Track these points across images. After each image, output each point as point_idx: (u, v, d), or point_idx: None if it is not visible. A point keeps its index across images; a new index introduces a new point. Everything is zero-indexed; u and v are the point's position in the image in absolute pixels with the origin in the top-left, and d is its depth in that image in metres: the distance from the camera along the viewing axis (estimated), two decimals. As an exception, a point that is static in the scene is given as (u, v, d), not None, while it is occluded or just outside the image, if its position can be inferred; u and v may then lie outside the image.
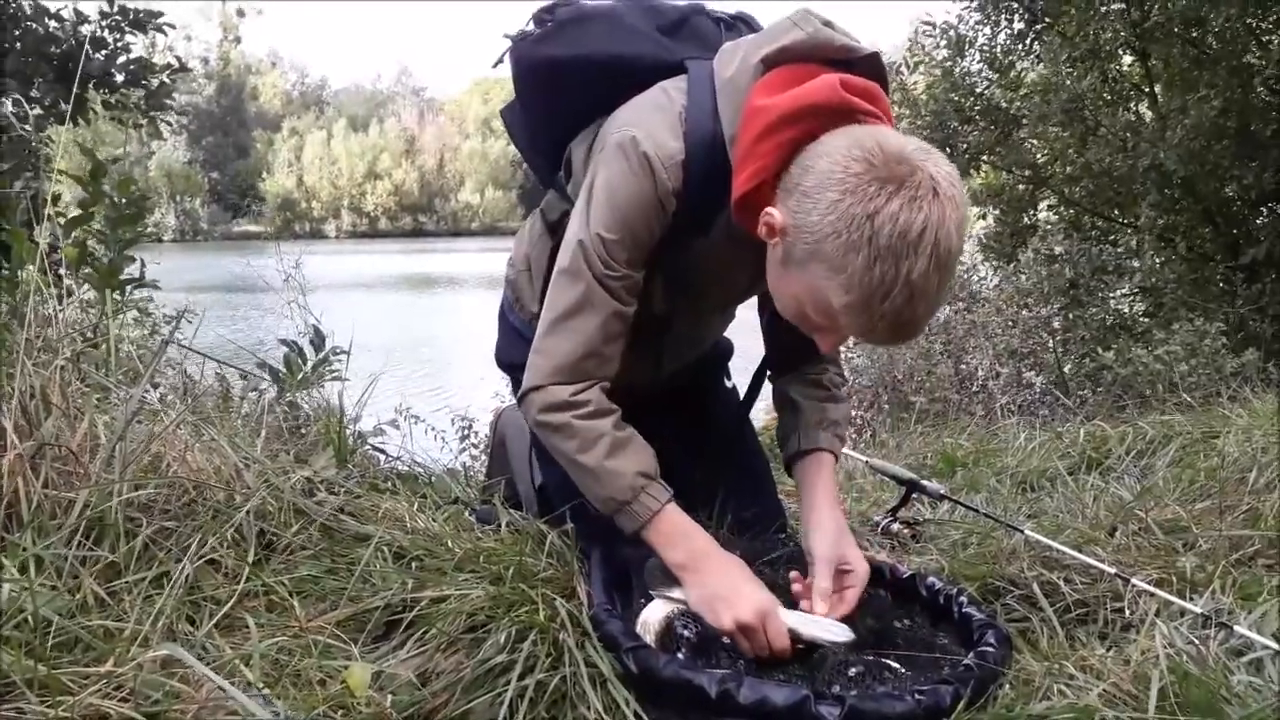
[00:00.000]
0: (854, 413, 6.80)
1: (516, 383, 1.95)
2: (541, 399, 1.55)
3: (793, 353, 1.81)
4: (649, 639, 1.40)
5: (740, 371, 2.12)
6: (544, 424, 1.55)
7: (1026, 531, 1.79)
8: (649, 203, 1.46)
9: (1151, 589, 1.54)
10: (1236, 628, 1.38)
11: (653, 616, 1.45)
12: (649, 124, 1.47)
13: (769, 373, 1.89)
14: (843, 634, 1.42)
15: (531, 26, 1.68)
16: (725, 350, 2.11)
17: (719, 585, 1.45)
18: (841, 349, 1.94)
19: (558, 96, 1.68)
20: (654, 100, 1.51)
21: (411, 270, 38.03)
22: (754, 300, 1.86)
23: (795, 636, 1.41)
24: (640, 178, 1.45)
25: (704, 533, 1.54)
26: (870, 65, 1.45)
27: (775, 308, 1.77)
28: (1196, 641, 1.35)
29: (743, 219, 1.43)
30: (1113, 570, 1.61)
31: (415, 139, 79.81)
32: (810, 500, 1.68)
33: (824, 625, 1.43)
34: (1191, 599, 1.52)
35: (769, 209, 1.34)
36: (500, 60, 1.73)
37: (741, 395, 2.10)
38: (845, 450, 2.41)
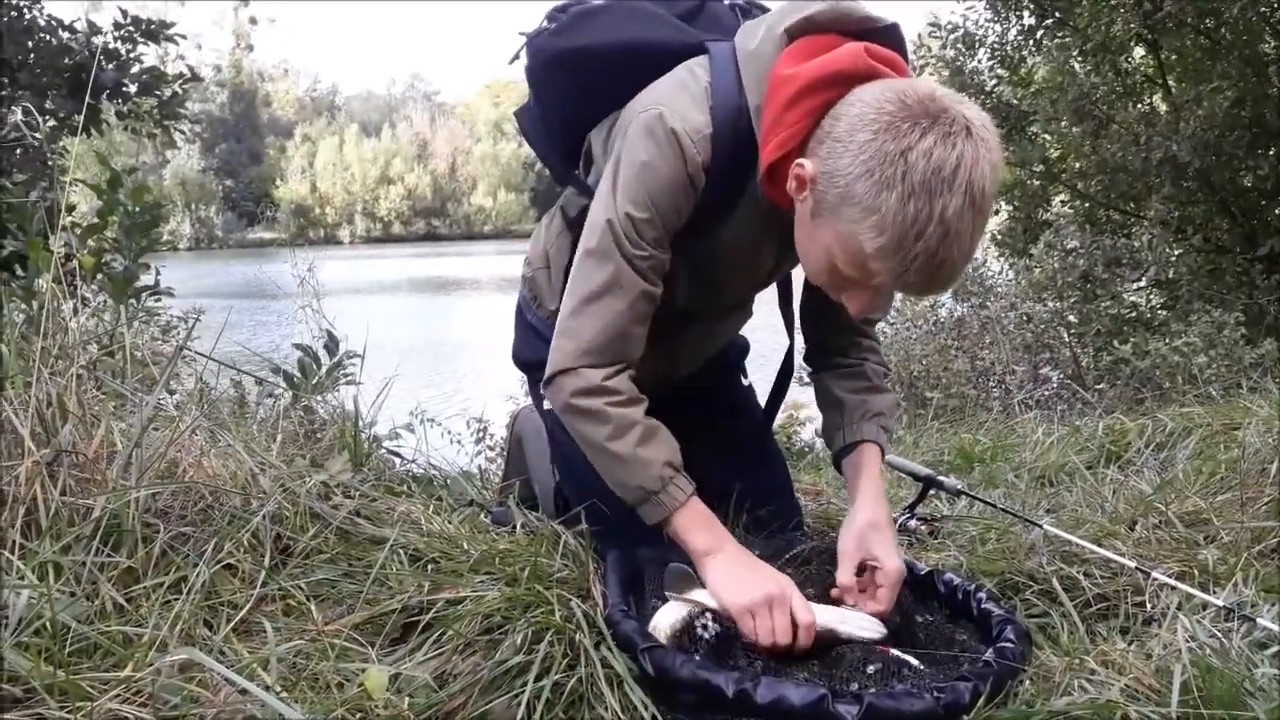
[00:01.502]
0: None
1: (534, 381, 1.96)
2: (573, 383, 1.53)
3: (829, 340, 1.81)
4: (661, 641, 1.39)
5: (757, 369, 2.12)
6: (576, 408, 1.54)
7: (1045, 526, 1.78)
8: (679, 180, 1.46)
9: (1173, 582, 1.53)
10: (1260, 620, 1.36)
11: (664, 621, 1.44)
12: (674, 101, 1.47)
13: (808, 369, 1.88)
14: (873, 629, 1.41)
15: (546, 23, 1.69)
16: (741, 348, 2.11)
17: (740, 565, 1.46)
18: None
19: (575, 89, 1.68)
20: (677, 79, 1.52)
21: (426, 274, 38.19)
22: (775, 299, 1.86)
23: (827, 633, 1.40)
24: (669, 155, 1.44)
25: (722, 525, 1.54)
26: (891, 36, 1.45)
27: (805, 296, 1.77)
28: (1219, 635, 1.33)
29: (769, 190, 1.43)
30: (1133, 564, 1.59)
31: (427, 143, 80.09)
32: (850, 495, 1.67)
33: (854, 621, 1.43)
34: (1213, 592, 1.51)
35: (800, 160, 1.34)
36: (516, 57, 1.73)
37: (758, 394, 2.10)
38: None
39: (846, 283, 1.37)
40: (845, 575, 1.52)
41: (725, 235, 1.58)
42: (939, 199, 1.20)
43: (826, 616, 1.42)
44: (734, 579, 1.44)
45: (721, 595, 1.44)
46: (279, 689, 1.16)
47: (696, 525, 1.51)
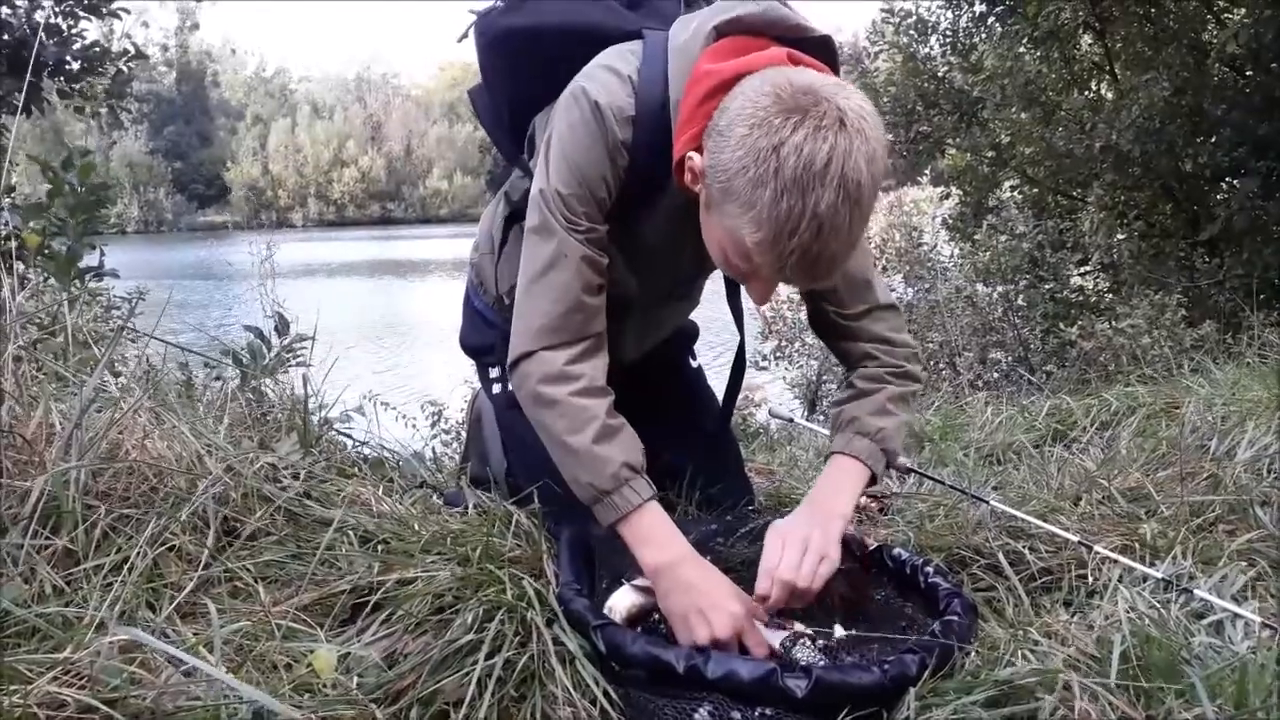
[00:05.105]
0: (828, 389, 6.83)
1: (482, 366, 1.95)
2: (537, 369, 1.49)
3: (840, 349, 1.75)
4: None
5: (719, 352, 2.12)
6: (538, 398, 1.49)
7: (992, 502, 1.81)
8: (601, 153, 1.45)
9: (1114, 556, 1.56)
10: (1197, 591, 1.40)
11: (619, 603, 1.43)
12: (601, 79, 1.47)
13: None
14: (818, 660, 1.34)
15: (498, 2, 1.68)
16: (690, 332, 2.11)
17: (694, 598, 1.37)
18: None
19: (520, 69, 1.68)
20: (608, 60, 1.51)
21: (382, 257, 37.82)
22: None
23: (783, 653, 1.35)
24: (592, 126, 1.44)
25: (682, 538, 1.46)
26: (822, 47, 1.44)
27: (809, 309, 1.75)
28: (1158, 605, 1.36)
29: (681, 181, 1.42)
30: (1076, 538, 1.63)
31: (381, 125, 79.02)
32: None
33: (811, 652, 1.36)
34: (1153, 564, 1.55)
35: (690, 153, 1.34)
36: (465, 35, 1.72)
37: (707, 376, 2.11)
38: (812, 425, 2.42)
39: (741, 272, 1.36)
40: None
41: (648, 225, 1.58)
42: (811, 194, 1.19)
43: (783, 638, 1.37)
44: (680, 616, 1.37)
45: (674, 630, 1.39)
46: (224, 669, 1.14)
47: (650, 536, 1.44)
